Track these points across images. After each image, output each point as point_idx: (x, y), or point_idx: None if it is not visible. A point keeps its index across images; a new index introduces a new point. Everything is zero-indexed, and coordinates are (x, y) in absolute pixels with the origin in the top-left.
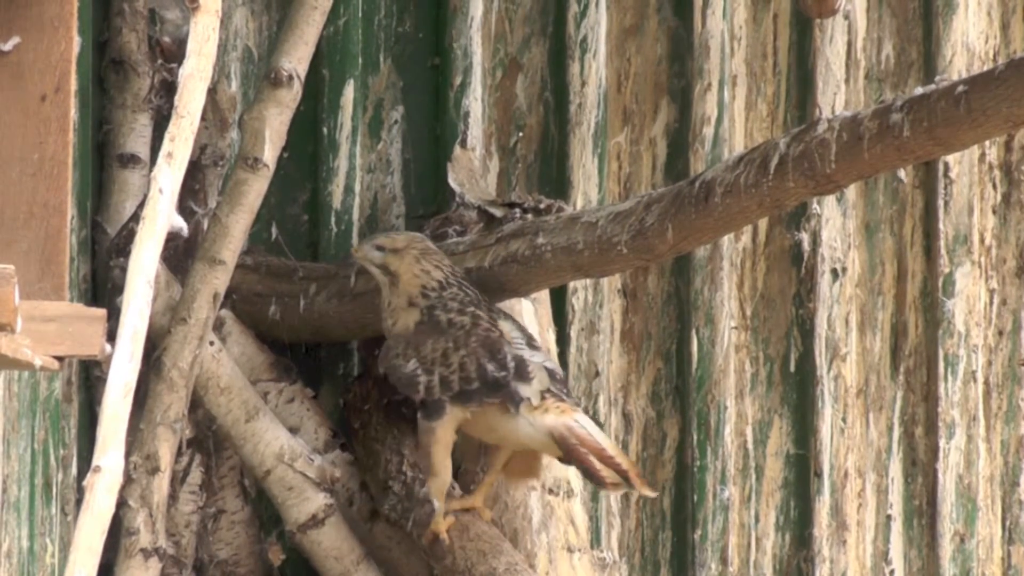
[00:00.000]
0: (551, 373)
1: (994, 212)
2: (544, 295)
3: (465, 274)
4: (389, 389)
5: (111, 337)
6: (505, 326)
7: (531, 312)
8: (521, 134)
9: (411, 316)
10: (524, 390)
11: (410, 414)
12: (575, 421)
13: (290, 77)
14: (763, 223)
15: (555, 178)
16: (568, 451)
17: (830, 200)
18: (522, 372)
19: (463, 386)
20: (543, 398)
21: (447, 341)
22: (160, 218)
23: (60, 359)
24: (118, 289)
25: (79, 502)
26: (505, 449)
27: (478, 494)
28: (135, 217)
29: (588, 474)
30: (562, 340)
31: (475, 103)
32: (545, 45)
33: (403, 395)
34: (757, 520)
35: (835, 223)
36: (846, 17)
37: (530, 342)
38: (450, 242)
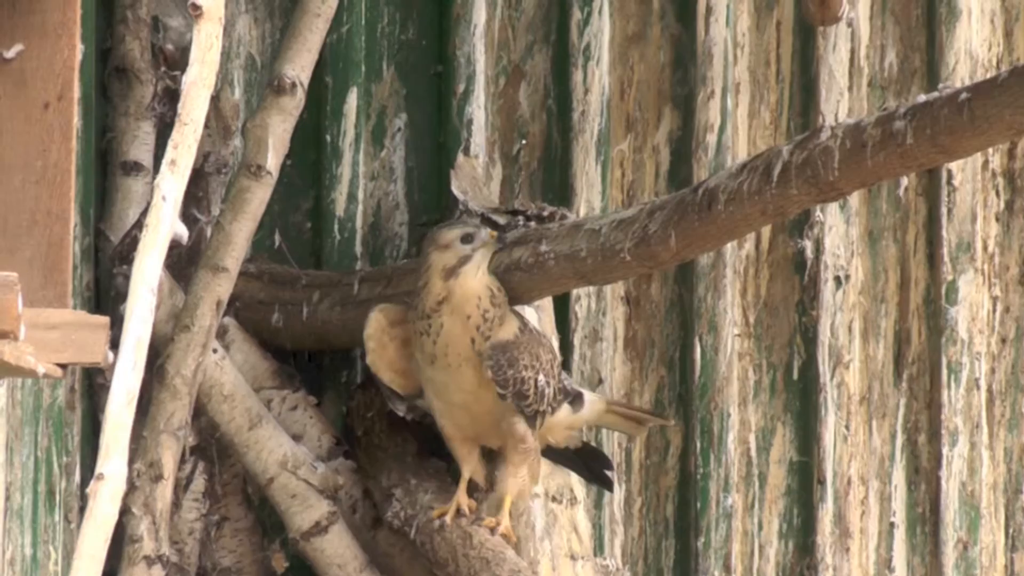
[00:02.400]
0: None
1: (997, 220)
2: (547, 302)
3: None
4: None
5: (114, 345)
6: None
7: (535, 319)
8: (524, 141)
9: (511, 326)
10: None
11: (412, 421)
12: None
13: (293, 85)
14: (766, 230)
15: (558, 185)
16: (622, 411)
17: (833, 207)
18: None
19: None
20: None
21: (547, 351)
22: (163, 226)
23: (63, 366)
24: (121, 297)
25: (82, 509)
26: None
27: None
28: (138, 224)
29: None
30: (565, 347)
31: (478, 111)
32: (548, 52)
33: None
34: (760, 527)
35: (838, 230)
36: (849, 24)
37: None
38: None
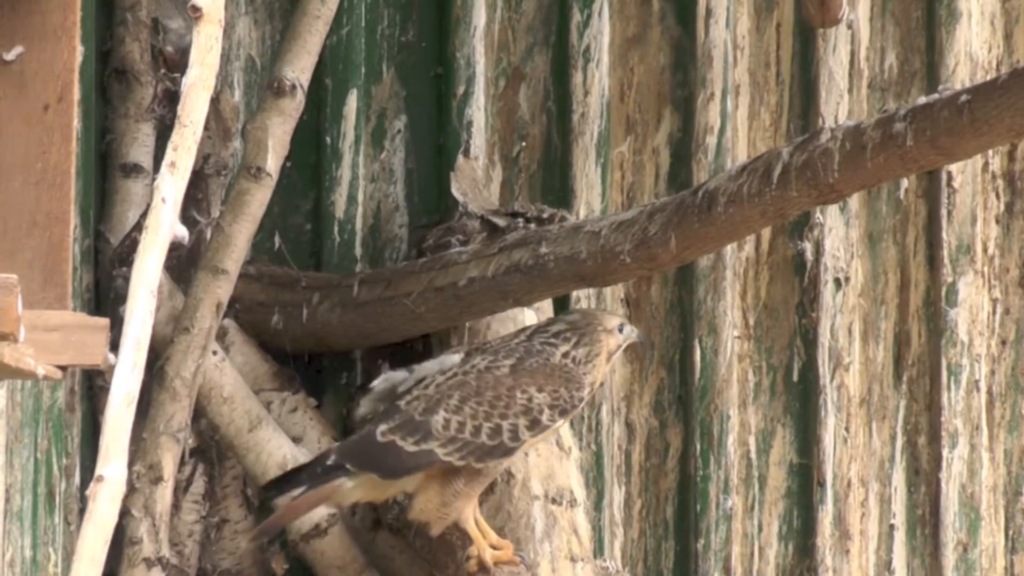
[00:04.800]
0: (384, 394)
1: (997, 222)
2: (547, 304)
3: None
4: None
5: (114, 346)
6: (441, 357)
7: (534, 321)
8: (524, 143)
9: None
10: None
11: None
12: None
13: (293, 87)
14: (766, 232)
15: (558, 187)
16: None
17: (833, 209)
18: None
19: None
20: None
21: None
22: (163, 228)
23: (63, 368)
24: (121, 298)
25: (82, 511)
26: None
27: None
28: (138, 227)
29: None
30: None
31: (478, 112)
32: (548, 54)
33: None
34: (760, 530)
35: (838, 232)
36: (849, 26)
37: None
38: (453, 252)
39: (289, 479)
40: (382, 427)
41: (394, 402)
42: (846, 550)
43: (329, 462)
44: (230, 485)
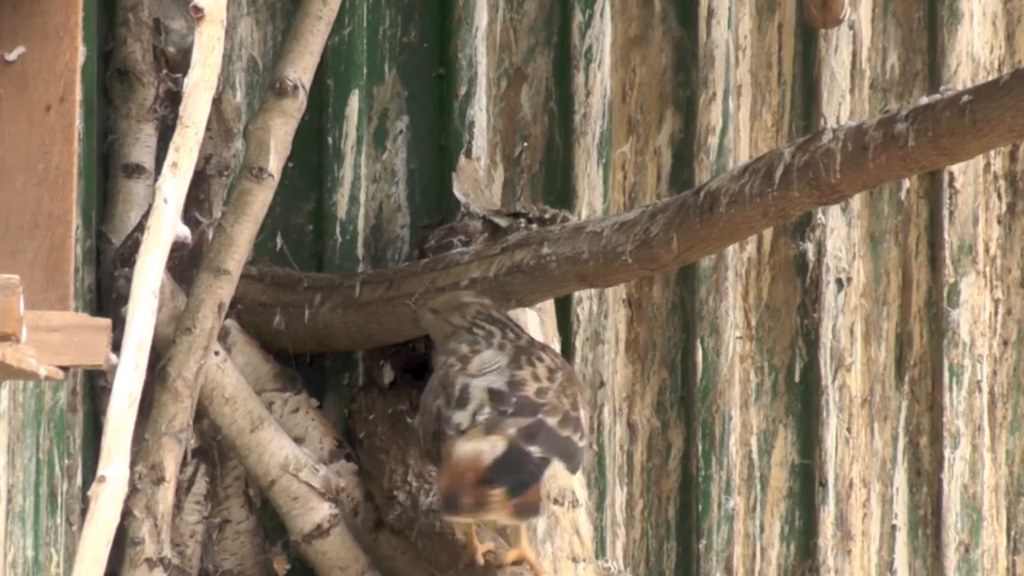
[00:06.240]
0: (494, 394)
1: (999, 222)
2: (549, 305)
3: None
4: (395, 399)
5: (116, 347)
6: (487, 354)
7: (536, 322)
8: (526, 144)
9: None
10: (457, 416)
11: (415, 424)
12: (477, 446)
13: (295, 87)
14: (768, 233)
15: (560, 188)
16: (448, 471)
17: (835, 210)
18: (463, 400)
19: (432, 427)
20: (472, 423)
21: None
22: (165, 228)
23: (65, 369)
24: (123, 299)
25: (84, 512)
26: None
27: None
28: (140, 227)
29: (449, 497)
30: (567, 350)
31: (480, 113)
32: (550, 55)
33: (410, 406)
34: (762, 530)
35: (840, 233)
36: (851, 27)
37: (517, 358)
38: (455, 252)
39: (503, 470)
40: (551, 420)
41: (519, 395)
42: (848, 550)
43: (538, 456)
44: (232, 486)
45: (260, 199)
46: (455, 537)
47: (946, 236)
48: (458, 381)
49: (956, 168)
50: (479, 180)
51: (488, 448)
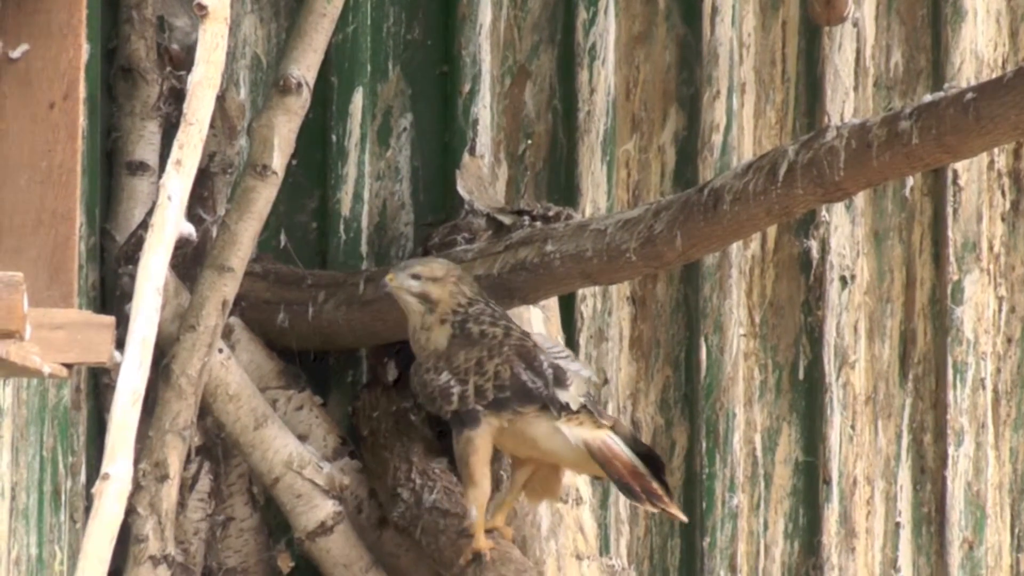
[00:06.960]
0: (588, 383)
1: (1003, 219)
2: (553, 302)
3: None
4: (398, 396)
5: (120, 344)
6: (538, 337)
7: (540, 319)
8: (530, 141)
9: (443, 333)
10: (563, 395)
11: (418, 421)
12: (609, 437)
13: (299, 84)
14: (772, 230)
15: (564, 185)
16: (605, 464)
17: (839, 207)
18: (560, 379)
19: (497, 394)
20: (580, 410)
21: (481, 351)
22: (169, 225)
23: (69, 366)
24: (127, 296)
25: (88, 509)
26: (527, 467)
27: (500, 514)
28: (144, 224)
29: (626, 489)
30: (571, 347)
31: (484, 110)
32: (554, 53)
33: (414, 404)
34: (766, 527)
35: (844, 230)
36: (855, 24)
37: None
38: (459, 249)
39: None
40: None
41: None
42: (852, 548)
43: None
44: (236, 483)
45: (264, 196)
46: (457, 535)
47: (950, 233)
48: (543, 358)
49: (960, 165)
50: (483, 177)
51: (616, 439)
